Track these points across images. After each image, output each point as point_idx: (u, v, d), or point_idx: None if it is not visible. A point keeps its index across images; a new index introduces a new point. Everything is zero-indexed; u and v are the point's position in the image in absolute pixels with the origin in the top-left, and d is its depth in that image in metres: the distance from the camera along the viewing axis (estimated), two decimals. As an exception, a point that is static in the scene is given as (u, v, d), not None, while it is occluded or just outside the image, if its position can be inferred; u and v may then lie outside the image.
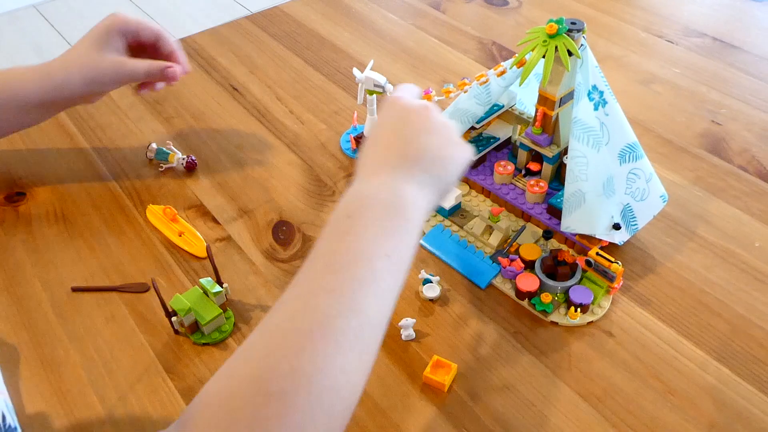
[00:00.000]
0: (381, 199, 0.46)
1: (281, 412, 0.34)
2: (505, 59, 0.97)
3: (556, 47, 0.60)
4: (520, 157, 0.73)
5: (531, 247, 0.66)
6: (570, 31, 0.60)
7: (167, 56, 0.74)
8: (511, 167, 0.72)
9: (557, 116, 0.67)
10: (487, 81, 0.66)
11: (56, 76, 0.69)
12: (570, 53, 0.60)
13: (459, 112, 0.70)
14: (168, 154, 0.79)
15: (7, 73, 0.70)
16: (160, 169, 0.79)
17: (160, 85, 0.77)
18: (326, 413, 0.36)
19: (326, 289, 0.40)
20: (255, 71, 0.96)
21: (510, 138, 0.78)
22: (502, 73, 0.66)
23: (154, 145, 0.80)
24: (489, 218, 0.69)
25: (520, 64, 0.63)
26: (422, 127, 0.51)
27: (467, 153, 0.53)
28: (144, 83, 0.76)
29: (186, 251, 0.69)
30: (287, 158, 0.81)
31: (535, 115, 0.67)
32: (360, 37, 1.04)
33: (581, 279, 0.63)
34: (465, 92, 0.68)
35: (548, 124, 0.67)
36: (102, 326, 0.61)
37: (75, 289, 0.64)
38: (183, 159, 0.79)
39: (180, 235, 0.70)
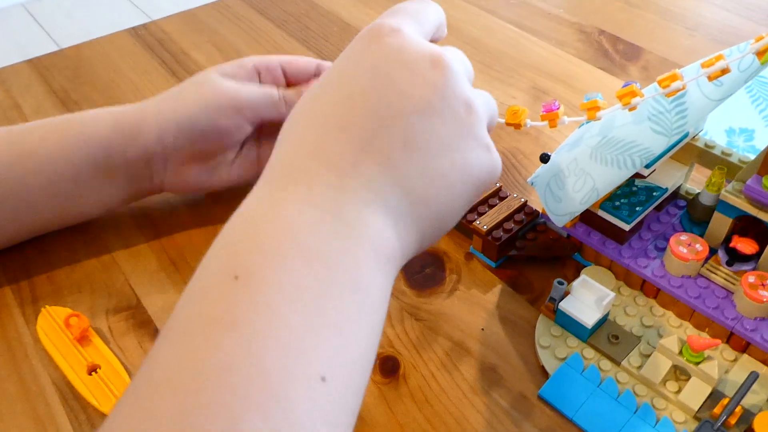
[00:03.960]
0: (310, 242, 0.23)
1: None
2: (622, 54, 0.65)
3: None
4: (715, 227, 0.40)
5: (776, 422, 0.33)
6: None
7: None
8: (702, 247, 0.39)
9: (817, 158, 0.34)
10: (683, 88, 0.34)
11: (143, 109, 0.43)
12: None
13: (614, 148, 0.37)
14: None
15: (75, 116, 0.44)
16: (76, 235, 0.46)
17: None
18: None
19: None
20: (245, 72, 0.64)
21: (679, 189, 0.45)
22: (720, 74, 0.33)
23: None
24: (682, 353, 0.36)
25: (773, 52, 0.30)
26: (421, 98, 0.27)
27: (492, 164, 0.30)
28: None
29: (96, 409, 0.36)
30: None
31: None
32: (401, 24, 0.71)
33: None
34: (632, 109, 0.35)
35: (799, 174, 0.35)
36: None
37: None
38: (115, 218, 0.46)
39: (92, 373, 0.38)
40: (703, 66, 0.33)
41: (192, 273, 0.24)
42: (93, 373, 0.38)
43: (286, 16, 0.73)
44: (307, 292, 0.22)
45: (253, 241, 0.23)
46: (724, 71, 0.32)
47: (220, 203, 0.48)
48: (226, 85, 0.43)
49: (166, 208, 0.49)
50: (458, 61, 0.29)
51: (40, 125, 0.43)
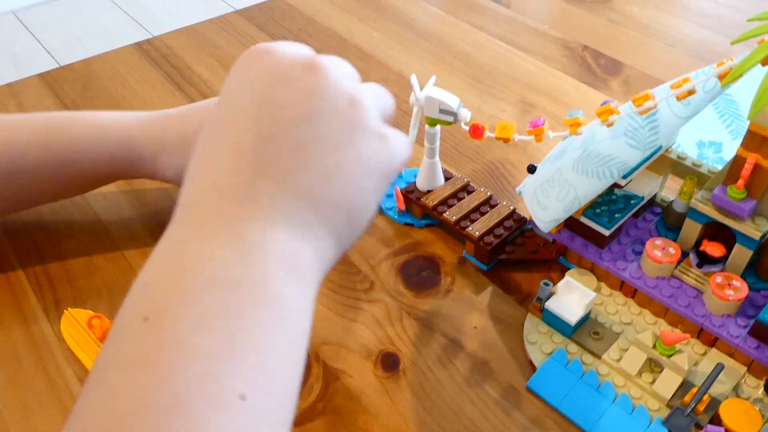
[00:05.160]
0: (214, 272, 0.24)
1: None
2: (604, 69, 0.68)
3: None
4: (686, 232, 0.44)
5: (739, 408, 0.37)
6: None
7: None
8: (675, 251, 0.43)
9: (776, 169, 0.38)
10: (655, 107, 0.37)
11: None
12: None
13: (594, 160, 0.41)
14: (106, 217, 0.50)
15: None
16: (93, 242, 0.49)
17: None
18: None
19: None
20: (248, 86, 0.67)
21: (655, 197, 0.49)
22: (687, 94, 0.36)
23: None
24: (655, 346, 0.40)
25: (734, 76, 0.34)
26: (302, 106, 0.27)
27: (388, 151, 0.29)
28: None
29: (120, 402, 0.39)
30: (296, 223, 0.52)
31: (734, 166, 0.38)
32: (395, 39, 0.75)
33: None
34: (609, 125, 0.39)
35: (760, 183, 0.38)
36: None
37: None
38: (130, 226, 0.49)
39: (113, 369, 0.41)
40: (672, 87, 0.37)
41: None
42: (115, 369, 0.41)
43: (285, 32, 0.76)
44: (216, 318, 0.23)
45: (159, 281, 0.24)
46: (691, 92, 0.36)
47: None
48: None
49: (178, 216, 0.52)
50: (333, 63, 0.29)
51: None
